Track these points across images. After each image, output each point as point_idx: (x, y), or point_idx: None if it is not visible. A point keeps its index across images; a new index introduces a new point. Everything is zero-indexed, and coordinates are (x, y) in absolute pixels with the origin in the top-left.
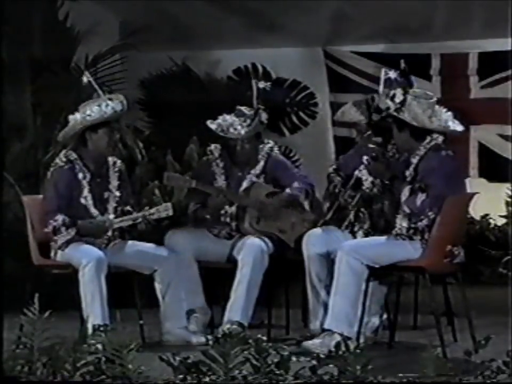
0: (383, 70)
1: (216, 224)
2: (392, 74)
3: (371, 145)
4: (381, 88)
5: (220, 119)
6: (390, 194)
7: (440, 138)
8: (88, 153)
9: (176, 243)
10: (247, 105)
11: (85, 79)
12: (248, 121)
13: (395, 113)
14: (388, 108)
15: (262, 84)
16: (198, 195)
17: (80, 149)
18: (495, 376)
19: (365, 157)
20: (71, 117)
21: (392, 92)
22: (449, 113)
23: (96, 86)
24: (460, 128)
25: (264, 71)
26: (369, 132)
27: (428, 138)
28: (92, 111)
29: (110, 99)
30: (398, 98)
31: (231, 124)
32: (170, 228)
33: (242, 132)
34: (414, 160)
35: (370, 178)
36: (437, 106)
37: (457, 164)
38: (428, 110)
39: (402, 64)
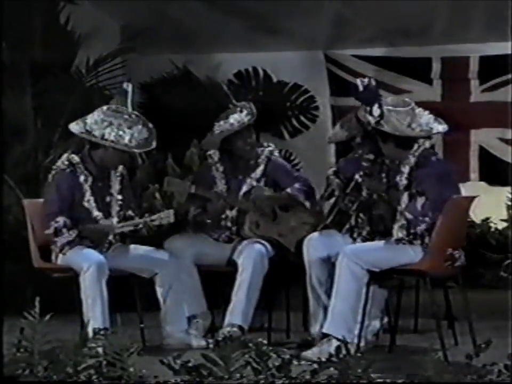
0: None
1: (216, 228)
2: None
3: (364, 163)
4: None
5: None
6: (386, 205)
7: (428, 143)
8: (93, 158)
9: (175, 249)
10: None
11: (124, 85)
12: (238, 112)
13: (376, 126)
14: (369, 123)
15: (225, 87)
16: (198, 200)
17: (85, 152)
18: (496, 379)
19: (361, 173)
20: (97, 124)
21: (369, 106)
22: (430, 115)
23: (128, 100)
24: (442, 128)
25: (265, 75)
26: (360, 151)
27: (416, 146)
28: (125, 133)
29: (137, 117)
30: (376, 112)
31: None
32: (171, 232)
33: (237, 120)
34: (405, 170)
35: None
36: (417, 111)
37: (448, 167)
38: (406, 118)
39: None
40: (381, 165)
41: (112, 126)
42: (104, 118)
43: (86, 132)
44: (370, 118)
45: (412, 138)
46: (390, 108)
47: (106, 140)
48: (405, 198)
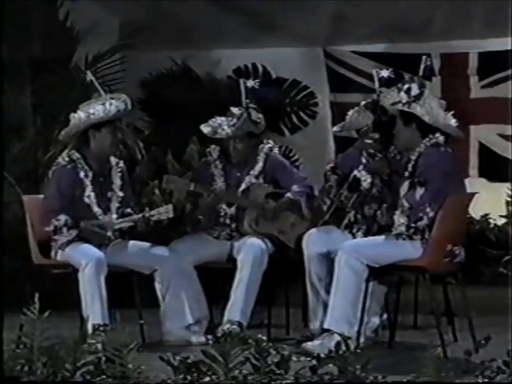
0: (374, 71)
1: (215, 225)
2: (385, 73)
3: (368, 141)
4: (376, 86)
5: (210, 121)
6: (388, 191)
7: (441, 138)
8: (90, 153)
9: (176, 253)
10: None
11: (87, 78)
12: (235, 120)
13: (404, 107)
14: (398, 102)
15: (250, 83)
16: (193, 196)
17: (83, 148)
18: (495, 376)
19: (364, 154)
20: (72, 116)
21: (407, 85)
22: (453, 118)
23: (98, 86)
24: (460, 135)
25: (264, 71)
26: (365, 128)
27: (429, 136)
28: (95, 110)
29: (112, 98)
30: (414, 92)
31: (219, 124)
32: (170, 228)
33: (229, 131)
34: (413, 157)
35: (370, 179)
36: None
37: (456, 161)
38: (440, 108)
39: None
40: (390, 153)
41: (83, 111)
42: (87, 103)
43: (82, 122)
44: (404, 96)
45: (430, 128)
46: (430, 92)
47: (83, 121)
48: (405, 186)
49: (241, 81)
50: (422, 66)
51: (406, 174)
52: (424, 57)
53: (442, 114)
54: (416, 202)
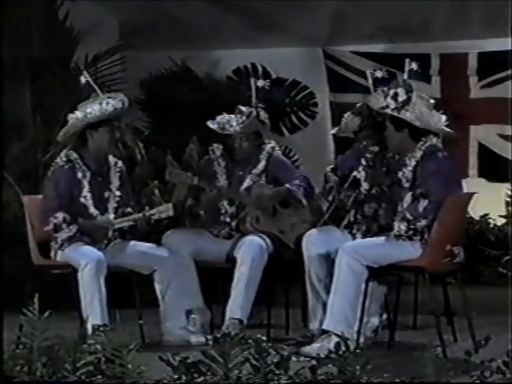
0: (368, 72)
1: (215, 223)
2: (379, 74)
3: (368, 155)
4: (371, 88)
5: (219, 118)
6: (388, 199)
7: (435, 140)
8: (88, 153)
9: (173, 243)
10: (247, 105)
11: (83, 79)
12: (244, 117)
13: (393, 113)
14: (386, 107)
15: (260, 83)
16: (197, 191)
17: (81, 148)
18: (494, 376)
19: (363, 162)
20: (70, 116)
21: (392, 91)
22: (443, 116)
23: (95, 86)
24: (454, 133)
25: (263, 71)
26: (364, 143)
27: (423, 140)
28: (92, 109)
29: (109, 97)
30: (401, 97)
31: (228, 120)
32: (170, 227)
33: (238, 128)
34: (410, 163)
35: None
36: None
37: (453, 164)
38: (432, 109)
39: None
40: (382, 159)
41: (81, 111)
42: (85, 103)
43: (80, 121)
44: (391, 102)
45: (423, 132)
46: (418, 95)
47: (80, 121)
48: (407, 198)
49: (252, 80)
50: (406, 69)
51: (405, 182)
52: (407, 60)
53: (432, 116)
54: (419, 214)
